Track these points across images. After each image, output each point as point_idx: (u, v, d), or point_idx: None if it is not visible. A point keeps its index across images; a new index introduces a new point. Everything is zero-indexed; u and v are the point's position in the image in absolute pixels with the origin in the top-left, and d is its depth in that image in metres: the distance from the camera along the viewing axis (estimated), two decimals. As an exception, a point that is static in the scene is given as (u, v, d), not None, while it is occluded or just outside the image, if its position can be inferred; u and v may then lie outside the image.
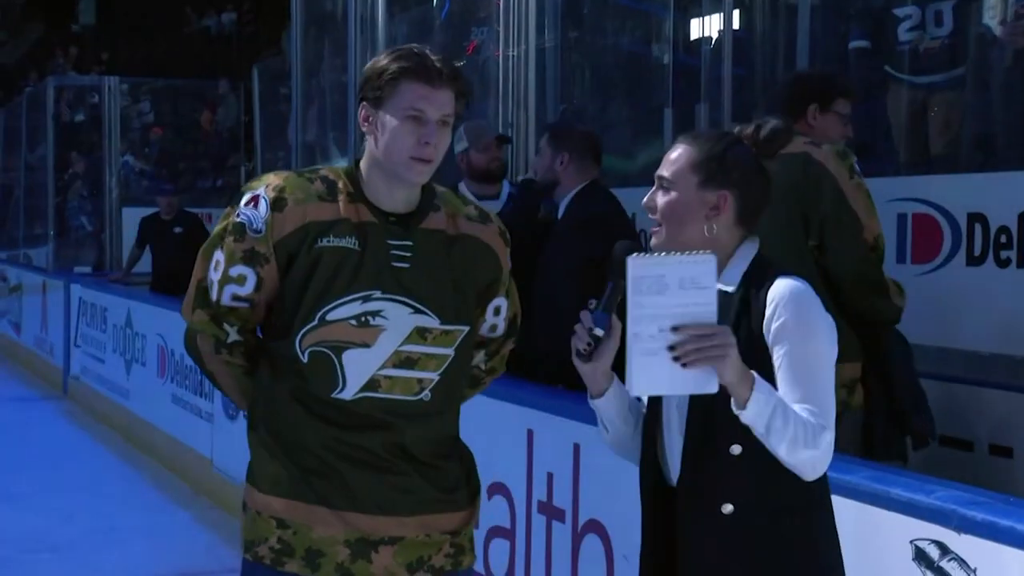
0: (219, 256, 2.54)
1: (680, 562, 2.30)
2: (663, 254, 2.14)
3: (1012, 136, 5.35)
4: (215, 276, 2.54)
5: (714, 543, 2.26)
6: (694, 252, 2.13)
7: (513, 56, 6.02)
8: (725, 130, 2.41)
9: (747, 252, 2.33)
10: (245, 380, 2.63)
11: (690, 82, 5.86)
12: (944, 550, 2.47)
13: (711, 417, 2.24)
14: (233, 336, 2.57)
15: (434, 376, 2.53)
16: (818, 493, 2.29)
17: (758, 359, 2.20)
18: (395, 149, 2.46)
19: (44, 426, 9.75)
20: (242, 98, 15.21)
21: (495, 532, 4.13)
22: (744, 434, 2.18)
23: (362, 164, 2.56)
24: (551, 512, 3.83)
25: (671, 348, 2.09)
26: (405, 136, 2.44)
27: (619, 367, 2.29)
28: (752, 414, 2.14)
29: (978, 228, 4.65)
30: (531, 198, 4.90)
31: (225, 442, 7.01)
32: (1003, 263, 4.56)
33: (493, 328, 2.69)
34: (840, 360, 3.65)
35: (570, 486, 3.70)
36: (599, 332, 2.27)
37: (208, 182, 15.67)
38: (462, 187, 5.16)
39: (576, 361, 2.31)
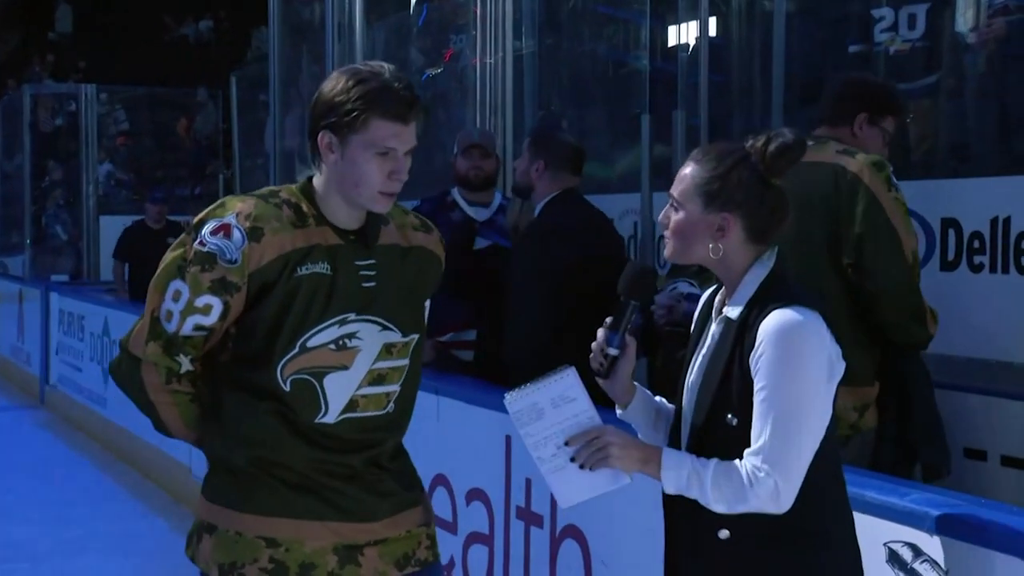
0: (178, 286, 2.49)
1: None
2: (527, 386, 2.29)
3: (985, 142, 5.40)
4: (175, 307, 2.49)
5: (710, 568, 2.29)
6: (554, 373, 2.29)
7: (490, 63, 6.04)
8: (735, 145, 2.35)
9: (758, 274, 2.30)
10: (190, 408, 2.60)
11: (667, 89, 5.88)
12: (917, 552, 2.49)
13: (707, 443, 2.27)
14: (186, 366, 2.55)
15: (396, 388, 2.60)
16: (829, 531, 2.27)
17: (748, 391, 2.21)
18: (363, 184, 2.46)
19: (21, 435, 9.70)
20: (220, 106, 15.18)
21: (474, 538, 4.14)
22: (737, 457, 2.21)
23: (317, 184, 2.55)
24: (529, 518, 3.84)
25: (572, 460, 2.27)
26: (374, 173, 2.45)
27: (548, 356, 2.47)
28: (672, 488, 2.24)
29: (952, 233, 4.68)
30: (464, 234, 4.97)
31: (204, 450, 6.99)
32: (976, 268, 4.60)
33: (424, 336, 2.75)
34: (854, 383, 3.66)
35: (548, 492, 3.70)
36: (613, 351, 2.36)
37: (186, 190, 15.63)
38: (454, 192, 5.19)
39: (597, 380, 2.38)
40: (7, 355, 13.05)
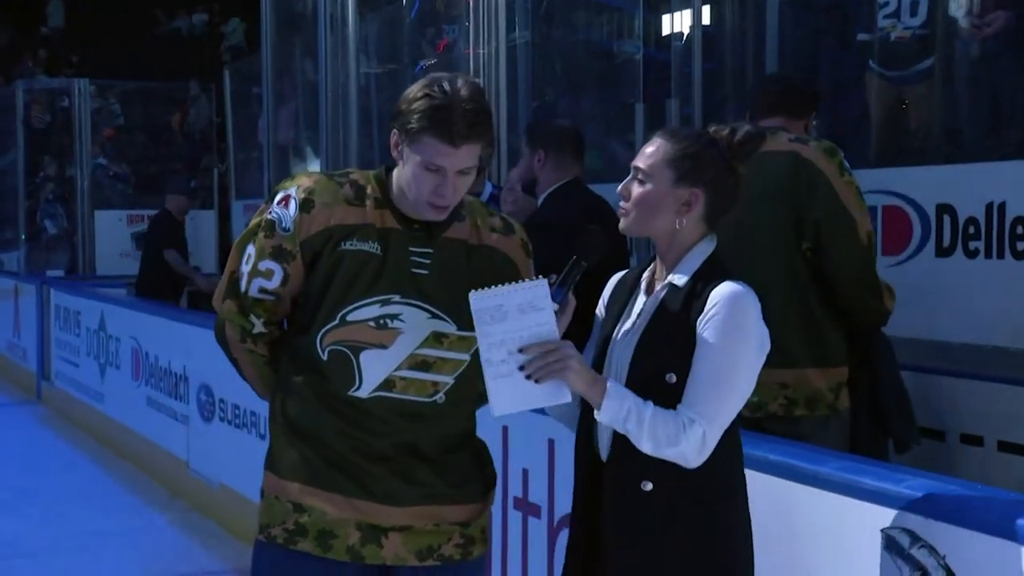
0: (251, 250, 2.66)
1: (602, 531, 2.47)
2: (497, 287, 2.33)
3: (979, 128, 5.40)
4: (245, 268, 2.66)
5: (632, 517, 2.41)
6: (526, 281, 2.34)
7: (484, 53, 6.03)
8: (701, 129, 2.50)
9: (704, 249, 2.45)
10: (266, 370, 2.75)
11: (661, 78, 5.88)
12: (914, 538, 2.49)
13: (645, 398, 2.37)
14: (258, 327, 2.68)
15: (449, 380, 2.63)
16: (734, 484, 2.45)
17: (691, 351, 2.35)
18: (415, 189, 2.54)
19: (18, 431, 9.70)
20: (214, 99, 15.15)
21: (471, 529, 4.14)
22: None
23: (394, 173, 2.63)
24: (527, 508, 3.85)
25: (521, 368, 2.32)
26: (422, 184, 2.52)
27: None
28: (607, 418, 2.35)
29: (947, 219, 4.69)
30: None
31: (201, 444, 6.99)
32: (972, 254, 4.60)
33: None
34: (827, 364, 3.76)
35: (545, 482, 3.72)
36: (554, 306, 2.40)
37: (181, 184, 15.59)
38: None
39: None
40: (3, 351, 13.04)
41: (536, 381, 2.33)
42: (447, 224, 2.63)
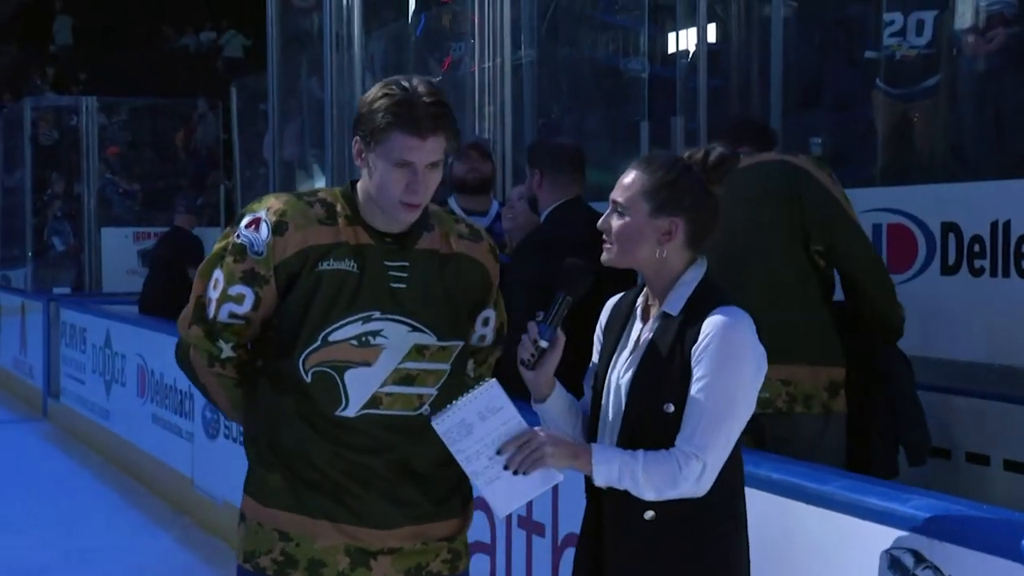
0: (218, 275, 2.62)
1: (605, 561, 2.46)
2: (453, 404, 2.35)
3: (985, 146, 5.40)
4: (213, 294, 2.62)
5: (636, 546, 2.41)
6: (476, 386, 2.35)
7: (489, 71, 6.04)
8: (676, 155, 2.52)
9: (694, 276, 2.45)
10: (235, 392, 2.71)
11: (666, 95, 5.89)
12: (919, 559, 2.48)
13: (642, 432, 2.39)
14: (227, 352, 2.65)
15: (433, 391, 2.62)
16: (736, 506, 2.44)
17: (687, 382, 2.36)
18: (385, 192, 2.53)
19: (24, 448, 9.68)
20: (220, 116, 15.20)
21: (475, 547, 4.11)
22: (668, 446, 2.34)
23: (359, 186, 2.62)
24: (531, 527, 3.83)
25: (506, 467, 2.34)
26: (394, 183, 2.51)
27: (561, 375, 2.50)
28: (602, 482, 2.36)
29: (952, 238, 4.68)
30: None
31: (206, 461, 6.99)
32: (977, 272, 4.60)
33: (482, 339, 2.78)
34: (824, 363, 3.76)
35: (550, 501, 3.71)
36: (543, 344, 2.44)
37: (188, 199, 15.62)
38: (451, 202, 5.16)
39: (520, 369, 2.47)
40: (9, 368, 13.05)
41: (524, 474, 2.35)
42: (418, 235, 2.63)
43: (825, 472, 2.96)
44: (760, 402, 3.56)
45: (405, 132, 2.47)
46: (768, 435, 3.74)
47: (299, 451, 2.59)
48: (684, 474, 2.31)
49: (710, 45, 5.95)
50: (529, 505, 3.85)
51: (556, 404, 2.55)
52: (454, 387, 2.63)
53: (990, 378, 4.55)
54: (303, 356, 2.56)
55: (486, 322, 2.76)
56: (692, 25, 5.98)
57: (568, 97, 7.29)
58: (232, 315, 2.60)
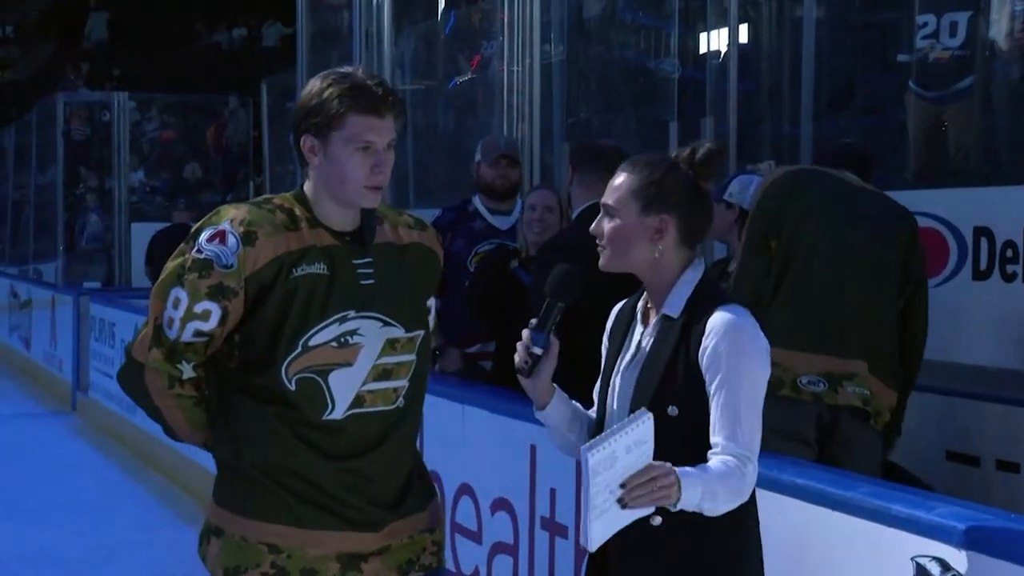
0: (178, 293, 2.55)
1: (611, 568, 2.45)
2: (606, 434, 2.21)
3: (1018, 149, 5.34)
4: (176, 314, 2.56)
5: (643, 554, 2.39)
6: (631, 418, 2.25)
7: (518, 70, 6.02)
8: (663, 154, 2.54)
9: (692, 276, 2.45)
10: (194, 412, 2.66)
11: (696, 96, 5.86)
12: (945, 567, 2.46)
13: None
14: (188, 372, 2.61)
15: (404, 383, 2.65)
16: (745, 512, 2.41)
17: (692, 384, 2.36)
18: (349, 180, 2.53)
19: (53, 442, 9.75)
20: (251, 113, 15.26)
21: (498, 548, 4.12)
22: (674, 452, 2.31)
23: (308, 190, 2.61)
24: (554, 528, 3.82)
25: (620, 500, 2.22)
26: (357, 167, 2.52)
27: (560, 381, 2.50)
28: (683, 505, 2.27)
29: (984, 242, 4.63)
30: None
31: (232, 457, 7.01)
32: (1009, 277, 4.55)
33: (428, 331, 2.79)
34: (895, 387, 3.87)
35: (573, 502, 3.69)
36: (537, 351, 2.45)
37: (217, 197, 15.70)
38: (476, 201, 5.16)
39: (519, 377, 2.47)
40: (40, 361, 13.15)
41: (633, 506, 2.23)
42: (373, 231, 2.64)
43: (850, 478, 2.93)
44: (863, 397, 3.77)
45: (364, 114, 2.50)
46: (840, 432, 3.85)
47: (284, 462, 2.57)
48: (748, 480, 2.33)
49: (741, 46, 5.92)
50: (552, 506, 3.84)
51: (558, 411, 2.56)
52: (422, 376, 2.68)
53: (1021, 385, 4.50)
54: (285, 364, 2.54)
55: (429, 310, 2.77)
56: (723, 26, 5.95)
57: (597, 97, 7.26)
58: (197, 333, 2.56)
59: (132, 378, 2.65)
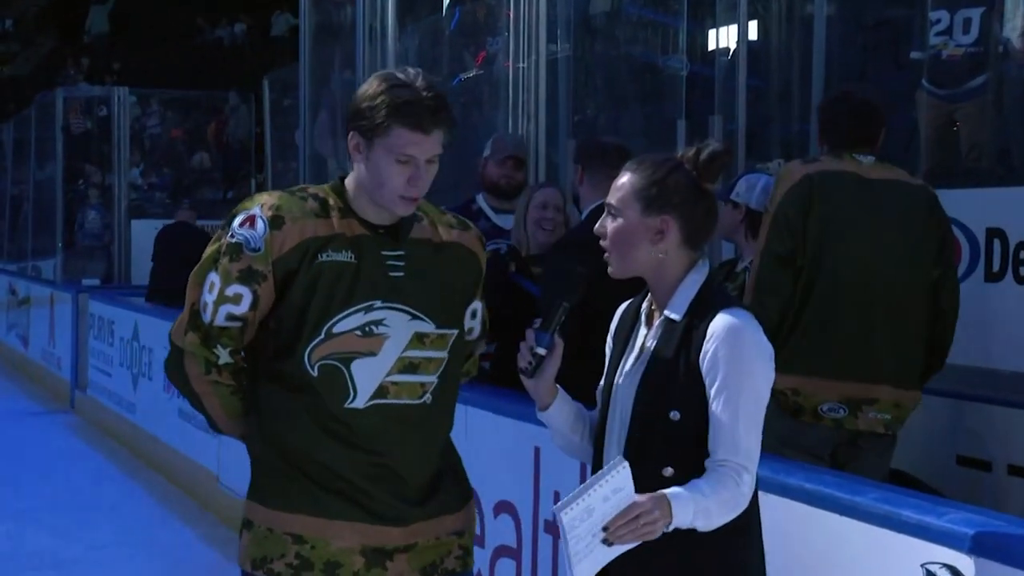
0: (213, 278, 2.62)
1: (612, 566, 2.41)
2: (579, 490, 2.23)
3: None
4: (209, 298, 2.61)
5: (642, 564, 2.36)
6: (606, 469, 2.25)
7: (523, 67, 6.02)
8: (667, 154, 2.52)
9: (696, 278, 2.44)
10: (233, 400, 2.70)
11: (704, 94, 5.85)
12: (956, 574, 2.44)
13: (648, 439, 2.38)
14: (224, 357, 2.65)
15: (433, 379, 2.66)
16: (746, 520, 2.40)
17: (694, 389, 2.35)
18: (385, 187, 2.57)
19: (51, 441, 9.77)
20: (253, 109, 15.26)
21: (501, 551, 4.11)
22: (676, 457, 2.34)
23: (348, 183, 2.66)
24: (558, 532, 3.81)
25: (606, 540, 2.24)
26: (394, 177, 2.55)
27: (563, 381, 2.50)
28: (677, 524, 2.27)
29: (997, 244, 4.62)
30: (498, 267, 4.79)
31: (232, 458, 7.00)
32: (1022, 279, 4.53)
33: (470, 331, 2.81)
34: (918, 387, 3.85)
35: (577, 506, 3.68)
36: (541, 351, 2.45)
37: (218, 194, 15.72)
38: (480, 199, 5.15)
39: (521, 377, 2.48)
40: (39, 360, 13.16)
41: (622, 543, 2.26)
42: (410, 226, 2.66)
43: (859, 483, 2.92)
44: (885, 423, 3.79)
45: (408, 128, 2.51)
46: (855, 447, 3.85)
47: (309, 453, 2.60)
48: (743, 490, 2.32)
49: (751, 43, 5.90)
50: (556, 510, 3.83)
51: (560, 412, 2.56)
52: (453, 375, 2.69)
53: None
54: (308, 350, 2.57)
55: (474, 314, 2.80)
56: (732, 22, 5.93)
57: (604, 94, 7.25)
58: (230, 317, 2.60)
59: (174, 364, 2.70)
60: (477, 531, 4.20)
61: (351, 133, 2.60)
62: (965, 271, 4.74)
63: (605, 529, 2.24)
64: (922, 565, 2.51)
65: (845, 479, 3.01)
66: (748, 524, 2.41)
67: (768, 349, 2.38)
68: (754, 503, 2.43)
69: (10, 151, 17.89)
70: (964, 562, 2.43)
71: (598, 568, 2.31)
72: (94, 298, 11.23)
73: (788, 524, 2.77)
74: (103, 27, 25.34)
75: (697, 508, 2.27)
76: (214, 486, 7.20)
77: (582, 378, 2.69)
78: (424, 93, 2.52)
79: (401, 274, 2.62)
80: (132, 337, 9.43)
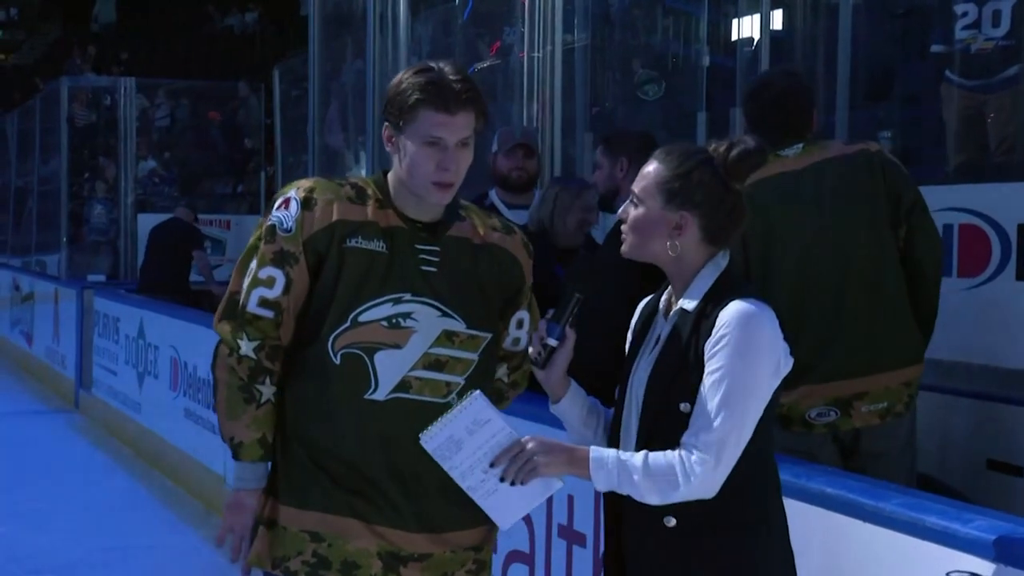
0: (252, 264, 2.67)
1: (629, 570, 2.47)
2: (438, 421, 2.41)
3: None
4: (245, 282, 2.67)
5: (656, 554, 2.40)
6: (461, 401, 2.41)
7: (539, 57, 6.01)
8: (697, 146, 2.51)
9: (713, 270, 2.43)
10: (234, 396, 2.69)
11: (725, 85, 5.83)
12: (981, 583, 2.43)
13: (659, 431, 2.39)
14: (245, 349, 2.66)
15: (460, 380, 2.66)
16: (768, 513, 2.41)
17: (701, 379, 2.33)
18: (416, 174, 2.59)
19: (55, 440, 9.80)
20: (263, 100, 15.27)
21: (514, 557, 4.11)
22: None
23: (390, 177, 2.70)
24: (572, 536, 3.81)
25: (502, 479, 2.39)
26: (425, 162, 2.57)
27: (576, 374, 2.54)
28: (603, 487, 2.37)
29: (1029, 240, 4.58)
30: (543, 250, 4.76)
31: (238, 459, 7.02)
32: (1055, 277, 4.50)
33: (516, 342, 2.81)
34: (909, 363, 3.73)
35: (591, 509, 3.68)
36: (552, 342, 2.48)
37: (228, 188, 15.73)
38: (492, 195, 5.13)
39: (533, 369, 2.51)
40: (43, 357, 13.20)
41: (521, 483, 2.38)
42: (449, 223, 2.68)
43: (882, 487, 2.90)
44: (879, 412, 3.66)
45: (434, 109, 2.54)
46: (863, 447, 3.75)
47: (328, 445, 2.63)
48: (688, 476, 2.30)
49: (774, 33, 5.88)
50: (570, 514, 3.83)
51: (573, 406, 2.57)
52: (482, 380, 2.68)
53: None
54: (332, 337, 2.60)
55: (520, 324, 2.80)
56: (755, 11, 5.92)
57: (622, 85, 7.24)
58: (262, 302, 2.63)
59: (215, 350, 2.73)
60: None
61: (385, 125, 2.65)
62: (995, 269, 4.71)
63: (493, 466, 2.38)
64: (948, 574, 2.49)
65: (868, 483, 2.99)
66: (769, 517, 2.40)
67: (778, 344, 2.36)
68: (773, 496, 2.42)
69: (14, 143, 17.91)
70: (991, 571, 2.42)
71: (521, 511, 2.46)
72: (99, 294, 11.25)
73: (808, 530, 2.76)
74: (111, 16, 25.43)
75: (621, 470, 2.33)
76: (220, 488, 7.21)
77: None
78: (451, 76, 2.56)
79: (434, 269, 2.64)
80: (138, 335, 9.45)
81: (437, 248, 2.66)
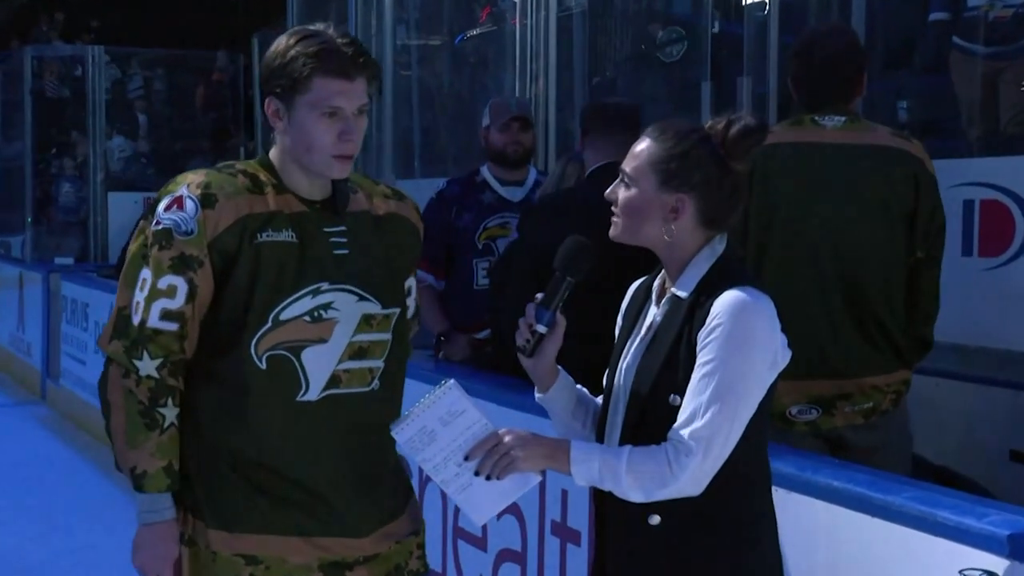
0: (144, 274, 2.58)
1: (608, 567, 2.49)
2: (411, 410, 2.39)
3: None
4: (141, 295, 2.58)
5: (640, 553, 2.41)
6: (435, 389, 2.37)
7: (532, 23, 6.00)
8: (693, 124, 2.47)
9: (708, 256, 2.42)
10: (135, 421, 2.60)
11: (732, 53, 5.82)
12: (996, 581, 2.45)
13: (646, 425, 2.39)
14: (146, 369, 2.59)
15: (380, 363, 2.68)
16: (759, 511, 2.41)
17: (692, 370, 2.33)
18: (315, 148, 2.56)
19: (20, 435, 9.83)
20: (242, 70, 15.23)
21: (505, 555, 4.13)
22: None
23: (274, 157, 2.65)
24: (565, 534, 3.83)
25: (477, 473, 2.38)
26: (323, 134, 2.55)
27: (563, 362, 2.53)
28: (583, 482, 2.37)
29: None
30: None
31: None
32: (1081, 256, 4.51)
33: (407, 310, 2.82)
34: (895, 371, 3.69)
35: (586, 506, 3.69)
36: (541, 329, 2.47)
37: (207, 163, 15.67)
38: (484, 171, 5.12)
39: (519, 357, 2.49)
40: (7, 346, 13.20)
41: (497, 478, 2.37)
42: (346, 199, 2.67)
43: (892, 480, 2.92)
44: (864, 412, 3.67)
45: (331, 76, 2.52)
46: (851, 445, 3.73)
47: (259, 458, 2.60)
48: (675, 471, 2.30)
49: (785, -4, 5.87)
50: (564, 510, 3.85)
51: (561, 397, 2.57)
52: (398, 358, 2.71)
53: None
54: (254, 340, 2.56)
55: (409, 291, 2.81)
56: (765, -27, 5.90)
57: (621, 54, 7.23)
58: (165, 314, 2.56)
59: (103, 374, 2.67)
60: (479, 533, 4.23)
61: (267, 100, 2.59)
62: (1019, 247, 4.71)
63: (468, 459, 2.37)
64: (960, 572, 2.51)
65: (877, 476, 3.01)
66: (756, 515, 2.41)
67: (775, 336, 2.36)
68: (764, 493, 2.43)
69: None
70: (1005, 567, 2.43)
71: (497, 507, 2.46)
72: (67, 278, 11.24)
73: (814, 525, 2.78)
74: (80, -21, 25.31)
75: (603, 466, 2.32)
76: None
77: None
78: (340, 40, 2.55)
79: (346, 251, 2.63)
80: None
81: (344, 228, 2.65)
